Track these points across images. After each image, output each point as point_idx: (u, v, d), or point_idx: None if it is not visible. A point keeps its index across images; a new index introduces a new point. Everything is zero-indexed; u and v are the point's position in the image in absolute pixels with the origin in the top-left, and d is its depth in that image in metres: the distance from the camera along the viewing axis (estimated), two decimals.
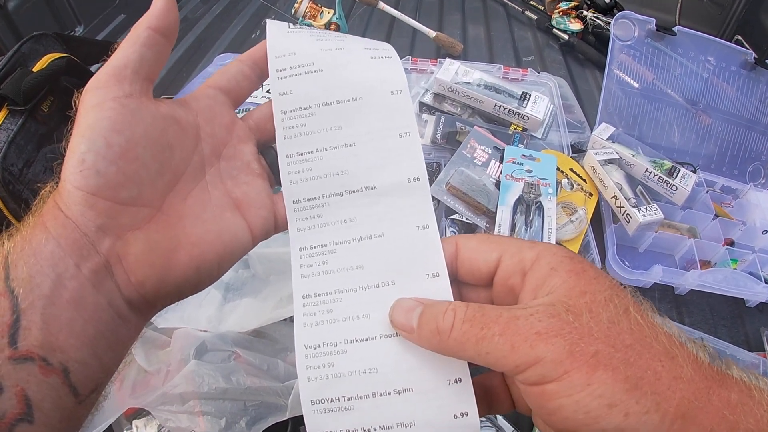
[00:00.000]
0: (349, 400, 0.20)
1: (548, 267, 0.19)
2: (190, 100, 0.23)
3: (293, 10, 0.84)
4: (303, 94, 0.23)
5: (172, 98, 0.76)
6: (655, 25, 0.65)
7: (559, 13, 0.95)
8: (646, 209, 0.57)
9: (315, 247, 0.22)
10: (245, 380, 0.41)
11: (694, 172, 0.64)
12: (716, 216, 0.62)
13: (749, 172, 0.70)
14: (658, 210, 0.57)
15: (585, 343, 0.16)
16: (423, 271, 0.21)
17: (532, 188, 0.56)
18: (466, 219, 0.55)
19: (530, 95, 0.65)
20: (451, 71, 0.65)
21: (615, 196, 0.58)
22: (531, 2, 1.03)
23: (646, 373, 0.16)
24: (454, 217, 0.56)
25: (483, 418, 0.45)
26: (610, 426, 0.15)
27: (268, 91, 0.71)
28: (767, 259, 0.59)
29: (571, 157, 0.63)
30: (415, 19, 0.89)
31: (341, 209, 0.22)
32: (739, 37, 0.84)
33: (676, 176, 0.61)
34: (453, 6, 1.07)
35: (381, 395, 0.20)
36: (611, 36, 0.66)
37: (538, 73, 0.76)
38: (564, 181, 0.60)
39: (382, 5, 0.89)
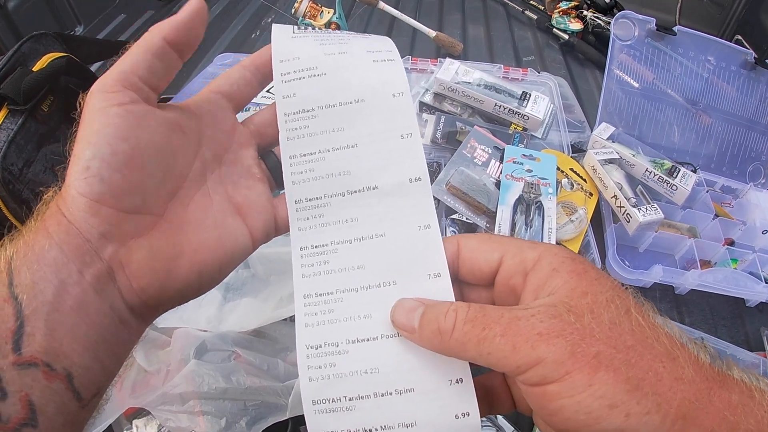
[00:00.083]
0: (350, 400, 0.20)
1: (550, 268, 0.19)
2: (191, 104, 0.23)
3: (293, 10, 0.84)
4: (306, 97, 0.23)
5: (172, 98, 0.75)
6: (655, 25, 0.65)
7: (559, 12, 0.95)
8: (646, 209, 0.57)
9: (316, 247, 0.22)
10: (245, 380, 0.41)
11: (694, 171, 0.64)
12: (716, 216, 0.62)
13: (749, 172, 0.70)
14: (658, 210, 0.57)
15: (586, 344, 0.16)
16: (424, 271, 0.21)
17: (532, 188, 0.56)
18: (466, 219, 0.55)
19: (530, 95, 0.65)
20: (451, 71, 0.65)
21: (615, 195, 0.58)
22: (531, 2, 1.03)
23: (648, 374, 0.16)
24: (454, 216, 0.56)
25: (483, 418, 0.45)
26: (611, 427, 0.15)
27: (268, 90, 0.71)
28: (767, 259, 0.59)
29: (571, 156, 0.63)
30: (415, 19, 0.89)
31: (343, 209, 0.22)
32: (739, 37, 0.84)
33: (676, 176, 0.61)
34: (453, 6, 1.07)
35: (382, 395, 0.20)
36: (611, 36, 0.66)
37: (538, 72, 0.76)
38: (564, 180, 0.60)
39: (382, 5, 0.88)
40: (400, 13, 0.88)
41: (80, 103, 0.20)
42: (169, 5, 1.03)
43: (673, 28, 0.66)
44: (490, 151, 0.59)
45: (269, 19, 0.99)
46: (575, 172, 0.62)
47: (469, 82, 0.65)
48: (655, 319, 0.18)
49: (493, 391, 0.22)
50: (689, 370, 0.16)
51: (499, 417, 0.46)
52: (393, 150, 0.23)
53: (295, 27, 0.26)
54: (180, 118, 0.21)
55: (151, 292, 0.19)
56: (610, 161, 0.61)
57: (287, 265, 0.22)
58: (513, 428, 0.45)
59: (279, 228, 0.23)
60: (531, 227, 0.54)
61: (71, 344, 0.17)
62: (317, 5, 0.84)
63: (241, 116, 0.25)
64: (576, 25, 0.92)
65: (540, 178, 0.57)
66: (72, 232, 0.18)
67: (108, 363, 0.19)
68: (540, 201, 0.55)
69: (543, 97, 0.65)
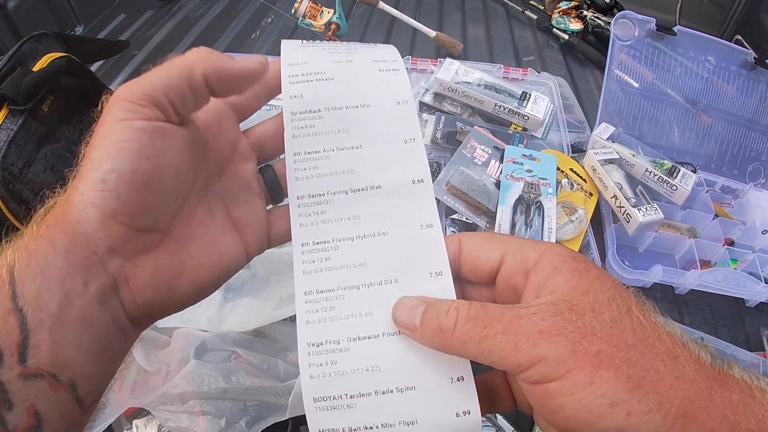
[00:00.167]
0: (351, 398, 0.20)
1: (551, 266, 0.19)
2: (199, 113, 0.22)
3: (293, 10, 0.84)
4: (313, 99, 0.24)
5: None
6: (655, 25, 0.65)
7: (559, 12, 0.95)
8: (646, 209, 0.57)
9: (317, 243, 0.22)
10: (245, 380, 0.41)
11: (694, 171, 0.64)
12: (716, 216, 0.62)
13: (749, 172, 0.70)
14: (658, 210, 0.57)
15: (588, 342, 0.16)
16: (426, 269, 0.21)
17: (532, 188, 0.56)
18: (466, 219, 0.55)
19: (530, 95, 0.65)
20: (451, 71, 0.65)
21: (615, 195, 0.58)
22: (531, 2, 1.03)
23: (649, 373, 0.16)
24: (454, 216, 0.56)
25: (483, 418, 0.45)
26: (612, 425, 0.15)
27: None
28: (767, 259, 0.59)
29: (571, 156, 0.63)
30: (415, 19, 0.89)
31: (345, 207, 0.22)
32: (739, 37, 0.84)
33: (676, 176, 0.61)
34: (453, 6, 1.07)
35: (383, 393, 0.20)
36: (611, 36, 0.66)
37: (538, 72, 0.76)
38: (564, 180, 0.60)
39: (382, 5, 0.88)
40: (400, 13, 0.88)
41: (103, 102, 0.19)
42: (169, 5, 1.03)
43: (673, 28, 0.66)
44: (490, 151, 0.59)
45: (269, 20, 0.99)
46: (575, 172, 0.62)
47: (469, 82, 0.65)
48: (657, 318, 0.18)
49: (494, 389, 0.22)
50: (690, 369, 0.16)
51: (499, 417, 0.46)
52: (396, 153, 0.23)
53: (304, 40, 0.27)
54: (194, 133, 0.21)
55: (152, 305, 0.20)
56: (610, 161, 0.61)
57: (287, 265, 0.22)
58: (513, 428, 0.45)
59: (271, 242, 0.24)
60: (531, 227, 0.54)
61: (75, 355, 0.17)
62: (317, 5, 0.84)
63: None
64: (576, 25, 0.92)
65: (540, 178, 0.57)
66: (79, 242, 0.18)
67: (107, 369, 0.19)
68: (540, 201, 0.55)
69: (543, 97, 0.65)
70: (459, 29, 0.98)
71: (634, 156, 0.62)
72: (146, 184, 0.18)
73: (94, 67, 0.81)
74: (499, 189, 0.56)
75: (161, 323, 0.45)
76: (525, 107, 0.64)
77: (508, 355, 0.17)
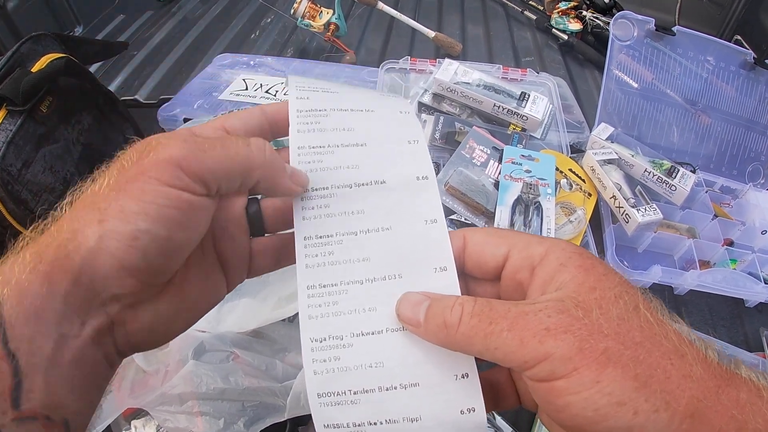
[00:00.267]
0: (355, 393, 0.19)
1: (557, 262, 0.19)
2: None
3: (292, 11, 0.84)
4: (319, 101, 0.24)
5: (171, 99, 0.74)
6: (655, 25, 0.65)
7: (558, 13, 0.95)
8: (645, 209, 0.57)
9: (321, 237, 0.22)
10: (243, 381, 0.41)
11: (693, 172, 0.64)
12: (715, 216, 0.62)
13: (748, 172, 0.70)
14: (657, 210, 0.57)
15: (594, 340, 0.16)
16: (430, 264, 0.21)
17: (530, 188, 0.56)
18: (465, 219, 0.55)
19: (529, 95, 0.65)
20: (450, 71, 0.65)
21: (614, 196, 0.58)
22: (530, 2, 1.03)
23: (656, 371, 0.16)
24: (452, 217, 0.56)
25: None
26: (618, 424, 0.15)
27: (267, 91, 0.71)
28: (766, 259, 0.59)
29: (570, 157, 0.63)
30: (414, 19, 0.89)
31: (349, 201, 0.22)
32: (739, 37, 0.84)
33: (675, 176, 0.61)
34: (452, 6, 1.07)
35: (387, 389, 0.19)
36: (610, 36, 0.66)
37: (537, 73, 0.76)
38: (563, 181, 0.60)
39: (381, 5, 0.89)
40: (399, 13, 0.88)
41: (150, 146, 0.18)
42: (168, 5, 1.03)
43: (673, 29, 0.66)
44: (488, 152, 0.59)
45: (268, 20, 0.99)
46: (574, 173, 0.61)
47: (468, 83, 0.65)
48: (663, 315, 0.18)
49: (498, 386, 0.22)
50: (698, 367, 0.16)
51: (498, 417, 0.46)
52: (401, 152, 0.23)
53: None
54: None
55: (144, 344, 0.20)
56: (609, 162, 0.61)
57: None
58: (511, 429, 0.45)
59: (249, 275, 0.23)
60: (530, 228, 0.54)
61: (68, 395, 0.17)
62: (316, 6, 0.84)
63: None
64: (575, 26, 0.92)
65: (539, 178, 0.57)
66: (82, 284, 0.17)
67: (96, 400, 0.19)
68: (539, 201, 0.55)
69: (542, 98, 0.65)
70: (458, 29, 0.98)
71: (633, 156, 0.62)
72: (176, 251, 0.18)
73: (93, 68, 0.81)
74: (497, 189, 0.56)
75: None
76: (524, 107, 0.64)
77: (513, 352, 0.17)
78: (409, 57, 0.74)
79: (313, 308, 0.21)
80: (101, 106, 0.58)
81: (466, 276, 0.22)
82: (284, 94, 0.70)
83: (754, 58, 0.67)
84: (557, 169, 0.59)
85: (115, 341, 0.19)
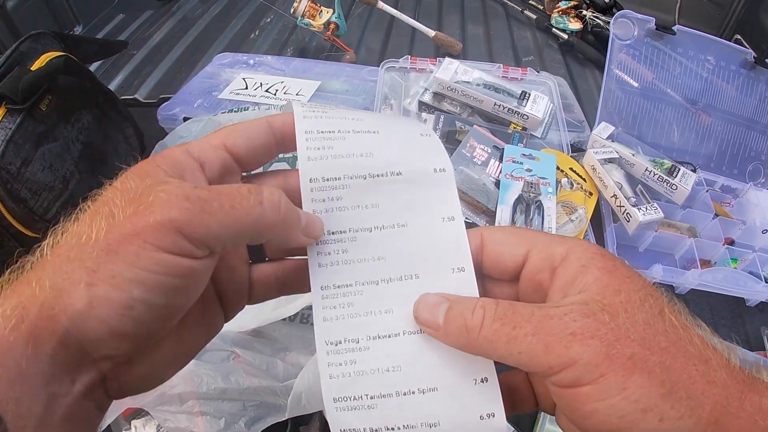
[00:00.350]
0: (372, 398, 0.19)
1: (579, 263, 0.18)
2: (204, 166, 0.19)
3: (292, 10, 0.83)
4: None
5: (171, 98, 0.74)
6: (655, 25, 0.65)
7: (558, 12, 0.95)
8: (646, 208, 0.57)
9: (333, 234, 0.20)
10: (244, 380, 0.41)
11: (694, 171, 0.64)
12: (716, 215, 0.62)
13: (749, 172, 0.70)
14: (658, 209, 0.57)
15: (621, 345, 0.16)
16: (448, 265, 0.20)
17: (531, 187, 0.56)
18: (466, 218, 0.55)
19: (530, 94, 0.65)
20: (451, 70, 0.65)
21: (615, 195, 0.58)
22: (530, 2, 1.02)
23: (681, 377, 0.15)
24: None
25: None
26: (644, 431, 0.15)
27: (267, 90, 0.71)
28: (767, 258, 0.59)
29: (570, 156, 0.63)
30: (414, 19, 0.89)
31: (363, 193, 0.21)
32: (739, 37, 0.84)
33: (676, 175, 0.61)
34: (452, 5, 1.06)
35: (405, 394, 0.19)
36: (611, 35, 0.66)
37: (538, 72, 0.76)
38: (564, 180, 0.60)
39: (381, 4, 0.88)
40: (399, 12, 0.88)
41: (147, 192, 0.16)
42: (167, 5, 1.03)
43: (673, 28, 0.66)
44: (489, 151, 0.59)
45: (268, 19, 0.99)
46: (575, 172, 0.61)
47: (469, 82, 0.65)
48: (687, 319, 0.17)
49: (516, 389, 0.21)
50: (721, 373, 0.16)
51: None
52: (415, 143, 0.22)
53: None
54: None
55: (137, 390, 0.19)
56: (610, 161, 0.61)
57: None
58: (513, 428, 0.45)
59: (249, 302, 0.22)
60: (531, 227, 0.54)
61: None
62: (316, 5, 0.84)
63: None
64: (575, 25, 0.92)
65: (539, 177, 0.57)
66: (71, 345, 0.16)
67: None
68: (540, 200, 0.55)
69: (542, 97, 0.65)
70: (458, 29, 0.98)
71: (633, 155, 0.62)
72: (174, 314, 0.17)
73: (92, 67, 0.81)
74: (498, 188, 0.56)
75: None
76: (524, 107, 0.64)
77: (538, 357, 0.16)
78: (410, 56, 0.74)
79: (328, 310, 0.20)
80: (101, 105, 0.58)
81: (483, 276, 0.21)
82: (283, 96, 0.70)
83: (754, 57, 0.67)
84: (558, 168, 0.59)
85: (108, 391, 0.18)
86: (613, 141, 0.64)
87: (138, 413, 0.42)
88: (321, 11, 0.84)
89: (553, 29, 0.94)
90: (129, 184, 0.17)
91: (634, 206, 0.57)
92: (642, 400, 0.15)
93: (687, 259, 0.60)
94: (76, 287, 0.15)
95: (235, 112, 0.60)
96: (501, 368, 0.20)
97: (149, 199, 0.16)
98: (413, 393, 0.19)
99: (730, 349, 0.17)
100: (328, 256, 0.20)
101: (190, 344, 0.20)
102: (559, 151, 0.64)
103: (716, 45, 0.67)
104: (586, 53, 0.90)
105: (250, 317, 0.45)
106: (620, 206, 0.58)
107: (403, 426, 0.19)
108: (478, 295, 0.20)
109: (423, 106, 0.66)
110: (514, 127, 0.65)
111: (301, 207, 0.20)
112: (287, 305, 0.45)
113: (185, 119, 0.64)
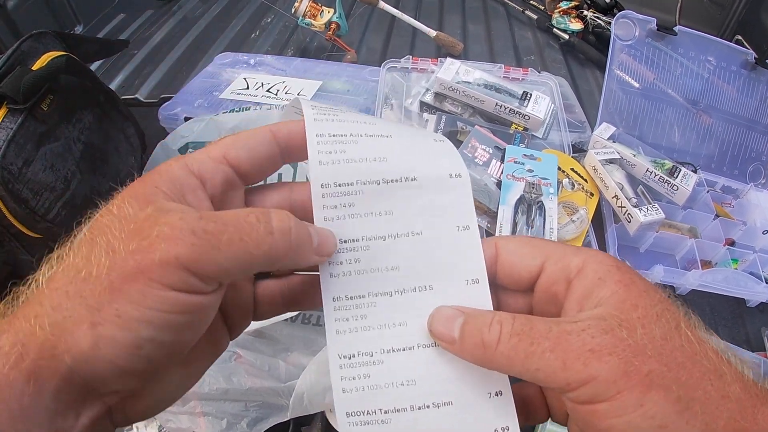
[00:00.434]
0: (386, 413, 0.19)
1: (595, 276, 0.18)
2: (206, 183, 0.18)
3: (293, 10, 0.83)
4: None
5: (172, 98, 0.74)
6: (656, 25, 0.65)
7: (559, 12, 0.95)
8: (647, 209, 0.57)
9: (345, 242, 0.20)
10: (246, 381, 0.41)
11: (695, 172, 0.64)
12: (717, 216, 0.62)
13: (750, 172, 0.70)
14: (659, 210, 0.57)
15: (639, 362, 0.16)
16: (462, 276, 0.20)
17: (533, 188, 0.56)
18: None
19: (531, 95, 0.65)
20: (452, 71, 0.65)
21: (616, 195, 0.58)
22: (531, 2, 1.03)
23: (697, 393, 0.16)
24: None
25: None
26: None
27: (268, 90, 0.71)
28: None
29: (571, 156, 0.63)
30: (415, 19, 0.89)
31: (376, 200, 0.20)
32: (740, 37, 0.84)
33: (677, 176, 0.61)
34: (453, 5, 1.06)
35: (419, 408, 0.19)
36: (612, 36, 0.66)
37: (539, 72, 0.76)
38: (565, 180, 0.60)
39: (382, 4, 0.88)
40: (400, 12, 0.88)
41: (148, 227, 0.15)
42: (168, 4, 1.03)
43: (674, 28, 0.66)
44: (491, 151, 0.59)
45: (269, 19, 0.99)
46: (576, 172, 0.61)
47: (470, 82, 0.65)
48: (702, 333, 0.17)
49: (528, 400, 0.21)
50: (735, 387, 0.16)
51: None
52: (429, 148, 0.21)
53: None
54: None
55: (143, 418, 0.18)
56: (611, 161, 0.61)
57: None
58: None
59: (254, 319, 0.22)
60: (532, 227, 0.54)
61: None
62: (317, 5, 0.84)
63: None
64: (576, 25, 0.92)
65: (541, 178, 0.57)
66: (75, 382, 0.15)
67: None
68: (541, 201, 0.55)
69: (544, 97, 0.65)
70: (459, 29, 0.98)
71: (634, 156, 0.62)
72: (183, 348, 0.17)
73: (93, 67, 0.81)
74: (500, 189, 0.56)
75: None
76: (526, 107, 0.64)
77: (555, 374, 0.16)
78: (411, 56, 0.74)
79: (341, 322, 0.19)
80: (102, 105, 0.58)
81: (496, 286, 0.21)
82: (284, 96, 0.70)
83: (755, 58, 0.67)
84: (559, 168, 0.59)
85: (113, 421, 0.17)
86: (614, 141, 0.64)
87: None
88: (322, 11, 0.84)
89: (554, 29, 0.94)
90: (127, 209, 0.16)
91: (635, 207, 0.57)
92: (658, 417, 0.15)
93: (688, 260, 0.60)
94: (79, 327, 0.15)
95: (236, 112, 0.60)
96: (513, 379, 0.19)
97: (152, 233, 0.15)
98: (428, 407, 0.19)
99: (744, 363, 0.17)
100: (340, 265, 0.20)
101: (197, 367, 0.20)
102: (561, 151, 0.64)
103: (717, 45, 0.67)
104: (587, 53, 0.91)
105: None
106: (621, 207, 0.58)
107: None
108: (491, 308, 0.20)
109: (424, 106, 0.66)
110: (516, 128, 0.65)
111: (309, 220, 0.19)
112: None
113: (186, 119, 0.64)
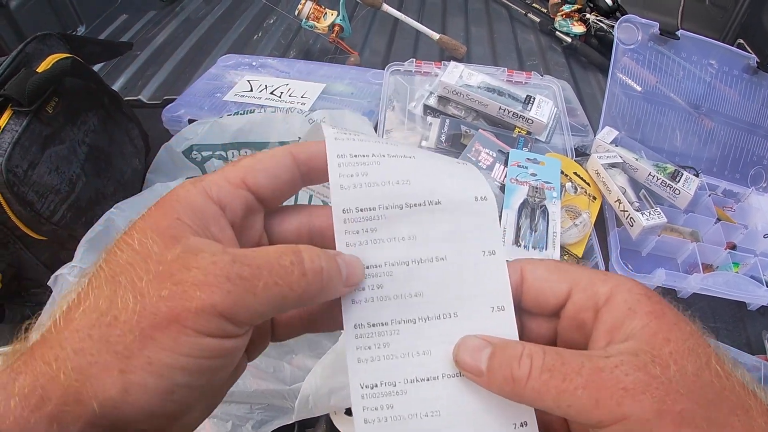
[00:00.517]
0: None
1: (625, 306, 0.18)
2: (225, 209, 0.18)
3: (296, 12, 0.84)
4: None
5: (176, 99, 0.74)
6: (659, 29, 0.66)
7: (561, 16, 0.95)
8: (650, 213, 0.57)
9: (368, 268, 0.19)
10: (251, 383, 0.41)
11: (697, 175, 0.64)
12: (718, 220, 0.62)
13: (751, 176, 0.70)
14: (661, 214, 0.57)
15: (671, 400, 0.16)
16: (487, 302, 0.20)
17: (536, 192, 0.56)
18: None
19: (534, 98, 0.65)
20: (456, 74, 0.65)
21: (618, 199, 0.59)
22: (534, 5, 1.03)
23: (724, 429, 0.16)
24: None
25: None
26: None
27: (272, 93, 0.71)
28: None
29: (574, 160, 0.64)
30: (418, 21, 0.89)
31: (400, 224, 0.19)
32: (742, 41, 0.84)
33: (679, 180, 0.61)
34: (456, 8, 1.07)
35: None
36: (615, 39, 0.66)
37: (542, 76, 0.76)
38: (568, 184, 0.60)
39: (385, 7, 0.89)
40: (403, 15, 0.88)
41: (171, 269, 0.15)
42: (171, 6, 1.03)
43: (676, 32, 0.66)
44: (494, 155, 0.59)
45: (272, 21, 0.99)
46: (579, 176, 0.62)
47: (473, 86, 0.65)
48: (730, 366, 0.17)
49: (551, 427, 0.21)
50: (761, 420, 0.16)
51: None
52: (453, 169, 0.21)
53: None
54: None
55: None
56: (614, 165, 0.61)
57: None
58: None
59: (272, 341, 0.22)
60: (536, 231, 0.54)
61: None
62: (320, 7, 0.84)
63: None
64: (579, 29, 0.92)
65: (544, 181, 0.57)
66: (102, 424, 0.15)
67: None
68: (545, 205, 0.55)
69: (547, 101, 0.65)
70: (462, 32, 0.99)
71: (637, 160, 0.63)
72: (214, 390, 0.17)
73: (95, 68, 0.81)
74: (503, 193, 0.56)
75: None
76: (529, 111, 0.64)
77: (588, 411, 0.16)
78: (414, 59, 0.74)
79: (363, 350, 0.19)
80: (106, 107, 0.58)
81: (521, 310, 0.20)
82: (287, 99, 0.70)
83: (757, 62, 0.67)
84: (562, 172, 0.60)
85: None
86: (616, 145, 0.64)
87: None
88: (325, 13, 0.84)
89: (557, 33, 0.94)
90: (151, 247, 0.16)
91: (637, 211, 0.57)
92: None
93: (689, 264, 0.60)
94: (108, 373, 0.15)
95: (240, 114, 0.60)
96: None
97: (185, 278, 0.15)
98: None
99: (766, 392, 0.17)
100: (363, 292, 0.19)
101: (218, 394, 0.20)
102: (563, 155, 0.64)
103: (719, 50, 0.67)
104: (589, 57, 0.91)
105: None
106: (624, 211, 0.58)
107: None
108: (517, 337, 0.20)
109: (428, 109, 0.67)
110: (519, 131, 0.65)
111: (330, 246, 0.19)
112: None
113: (190, 121, 0.64)
